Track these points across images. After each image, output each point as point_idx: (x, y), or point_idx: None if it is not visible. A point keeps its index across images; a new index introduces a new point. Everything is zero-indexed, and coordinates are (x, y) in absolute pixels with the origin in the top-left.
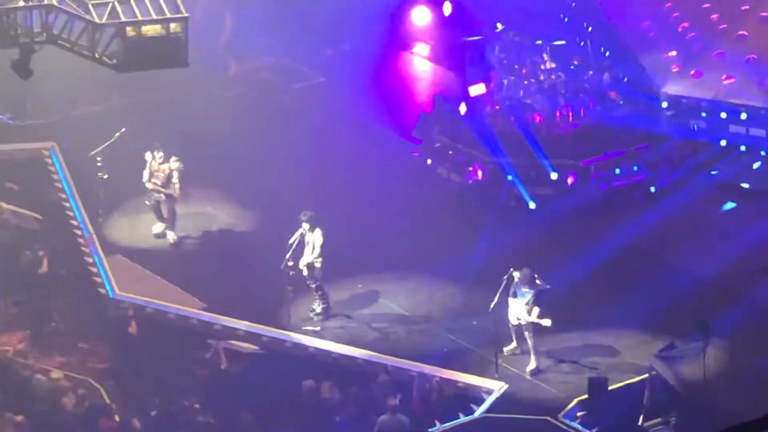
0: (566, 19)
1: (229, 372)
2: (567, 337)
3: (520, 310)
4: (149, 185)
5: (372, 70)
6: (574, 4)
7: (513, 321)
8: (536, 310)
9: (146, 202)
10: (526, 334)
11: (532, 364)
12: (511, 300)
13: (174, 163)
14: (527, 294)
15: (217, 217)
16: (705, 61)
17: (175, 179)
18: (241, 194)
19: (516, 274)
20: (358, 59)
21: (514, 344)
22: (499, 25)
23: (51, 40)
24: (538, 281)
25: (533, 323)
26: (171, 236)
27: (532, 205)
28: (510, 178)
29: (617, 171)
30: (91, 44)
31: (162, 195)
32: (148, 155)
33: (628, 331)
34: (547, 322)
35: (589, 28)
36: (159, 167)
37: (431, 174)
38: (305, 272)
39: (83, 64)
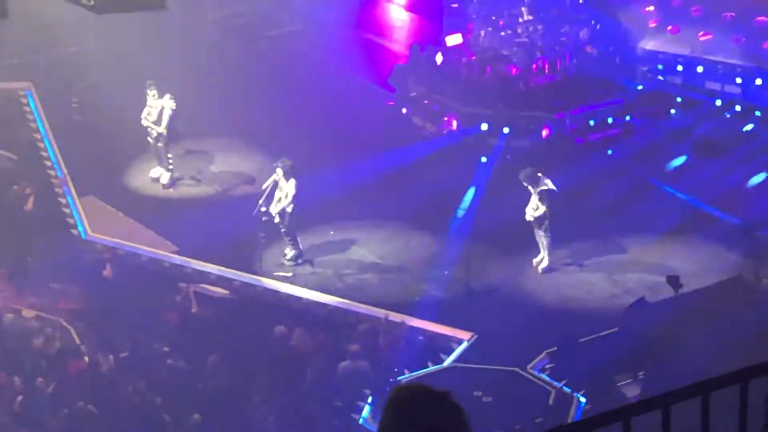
0: None
1: (200, 316)
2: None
3: (530, 207)
4: (144, 122)
5: (349, 17)
6: None
7: (529, 218)
8: (541, 208)
9: (148, 138)
10: (539, 232)
11: (544, 263)
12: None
13: (168, 101)
14: (534, 193)
15: (191, 162)
16: (683, 17)
17: (164, 116)
18: (216, 140)
19: (522, 177)
20: (336, 6)
21: (540, 255)
22: None
23: None
24: (544, 181)
25: (547, 220)
26: (165, 177)
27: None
28: (485, 127)
29: (591, 123)
30: None
31: (154, 131)
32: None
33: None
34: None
35: None
36: (153, 104)
37: (406, 123)
38: (277, 219)
39: (60, 4)
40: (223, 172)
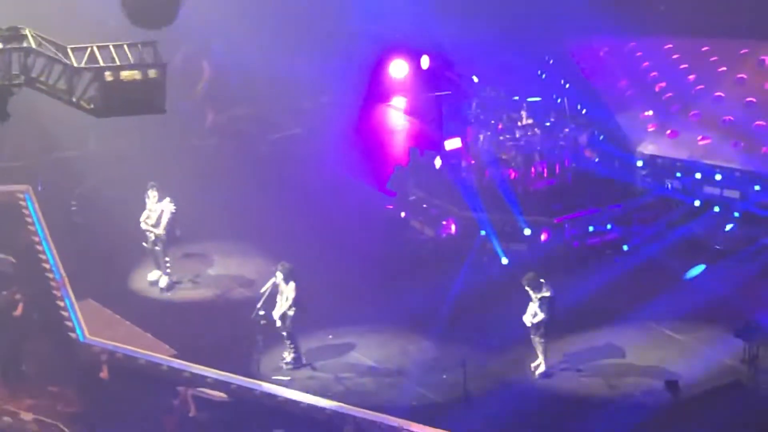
0: (543, 76)
1: (198, 420)
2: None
3: (528, 314)
4: (143, 225)
5: (349, 122)
6: (551, 62)
7: (527, 323)
8: (540, 315)
9: (143, 244)
10: (536, 338)
11: (542, 367)
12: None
13: (167, 205)
14: (535, 299)
15: (190, 265)
16: (681, 121)
17: (163, 219)
18: (215, 243)
19: (524, 281)
20: (336, 111)
21: (538, 360)
22: (476, 79)
23: (29, 83)
24: (546, 288)
25: (545, 326)
26: (163, 281)
27: (504, 261)
28: (483, 233)
29: (590, 229)
30: (69, 88)
31: (152, 235)
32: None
33: None
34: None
35: (567, 85)
36: (153, 207)
37: (405, 227)
38: (278, 323)
39: (61, 108)
40: (222, 275)
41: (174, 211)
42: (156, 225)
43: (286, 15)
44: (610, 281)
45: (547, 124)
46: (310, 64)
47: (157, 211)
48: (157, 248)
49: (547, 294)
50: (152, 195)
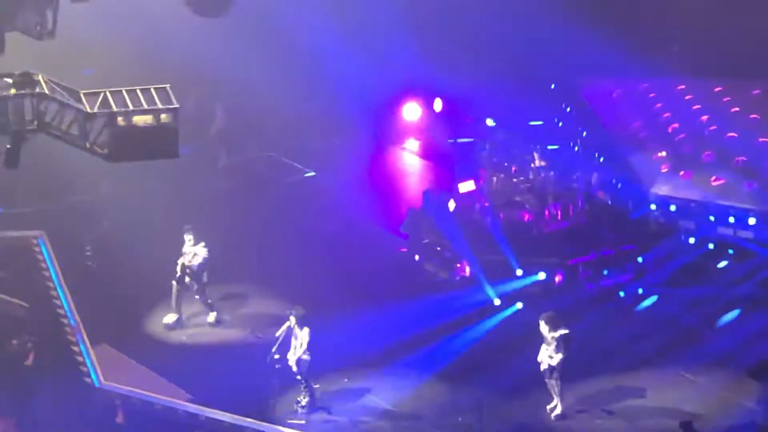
0: (560, 124)
1: None
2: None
3: (544, 354)
4: (178, 268)
5: (362, 164)
6: (568, 109)
7: (543, 365)
8: (558, 356)
9: (173, 282)
10: (551, 381)
11: (558, 410)
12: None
13: (201, 249)
14: (551, 340)
15: (206, 309)
16: (694, 162)
17: (197, 262)
18: (231, 287)
19: (542, 319)
20: (349, 153)
21: (554, 402)
22: (490, 122)
23: (42, 129)
24: (561, 327)
25: (560, 367)
26: (211, 317)
27: (497, 302)
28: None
29: (605, 272)
30: (82, 133)
31: (187, 278)
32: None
33: None
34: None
35: (584, 133)
36: (188, 250)
37: (419, 270)
38: (294, 367)
39: (74, 153)
40: (237, 318)
41: (207, 256)
42: (193, 269)
43: (296, 55)
44: (625, 323)
45: (560, 165)
46: (321, 105)
47: (191, 254)
48: (197, 296)
49: (565, 332)
50: (188, 238)
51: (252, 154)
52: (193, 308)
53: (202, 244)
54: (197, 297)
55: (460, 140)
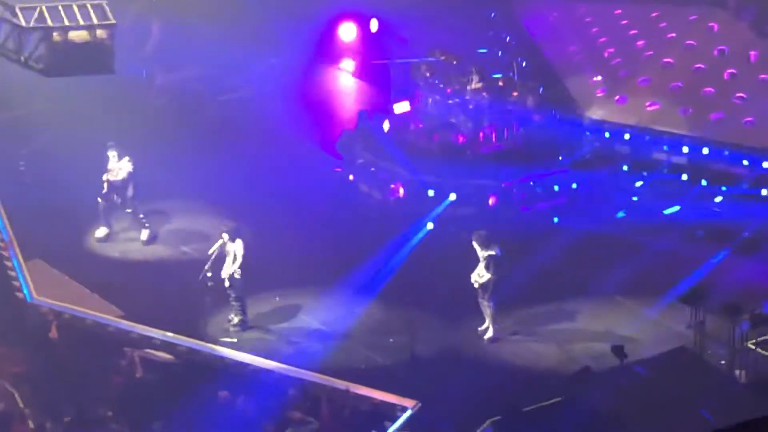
0: (500, 53)
1: (144, 381)
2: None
3: (475, 273)
4: (105, 185)
5: (298, 83)
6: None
7: (474, 284)
8: (487, 275)
9: (98, 199)
10: (483, 301)
11: (490, 332)
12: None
13: (126, 164)
14: (482, 258)
15: (138, 225)
16: (630, 87)
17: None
18: (165, 203)
19: (473, 237)
20: (285, 72)
21: (485, 324)
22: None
23: None
24: (492, 247)
25: (491, 290)
26: (144, 234)
27: (430, 226)
28: (431, 194)
29: (538, 191)
30: (18, 48)
31: (113, 195)
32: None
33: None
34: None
35: (523, 63)
36: (113, 166)
37: (353, 190)
38: (226, 283)
39: (8, 67)
40: (171, 235)
41: (131, 170)
42: (119, 184)
43: None
44: (558, 247)
45: (500, 84)
46: (258, 25)
47: (116, 170)
48: (128, 210)
49: (494, 252)
50: (112, 155)
51: (188, 72)
52: (123, 224)
53: (127, 158)
54: (127, 211)
55: (396, 61)
